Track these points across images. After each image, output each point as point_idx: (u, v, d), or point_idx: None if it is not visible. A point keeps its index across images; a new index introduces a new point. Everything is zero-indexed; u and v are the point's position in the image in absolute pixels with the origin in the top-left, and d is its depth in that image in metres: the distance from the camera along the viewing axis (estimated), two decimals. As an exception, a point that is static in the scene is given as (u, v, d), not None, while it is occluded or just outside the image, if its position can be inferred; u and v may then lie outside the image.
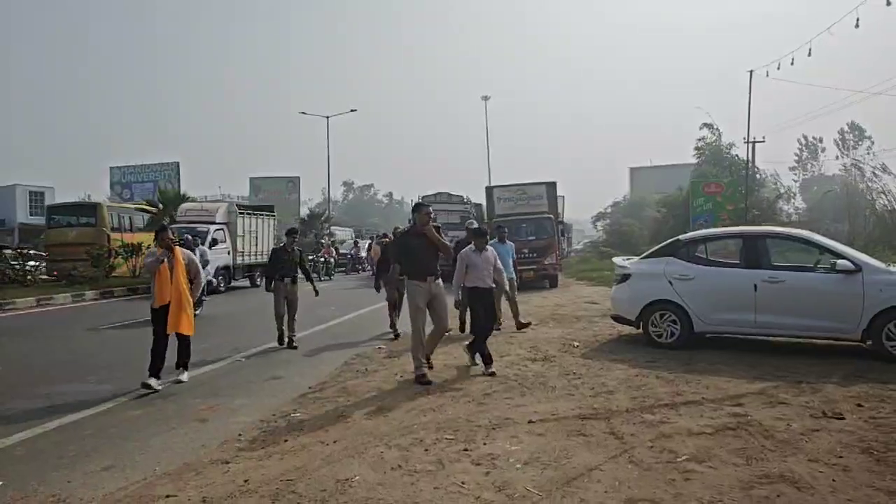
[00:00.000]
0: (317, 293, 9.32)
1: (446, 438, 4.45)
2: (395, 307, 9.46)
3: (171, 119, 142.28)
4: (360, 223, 58.47)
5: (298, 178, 52.98)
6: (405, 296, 9.01)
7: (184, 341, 6.70)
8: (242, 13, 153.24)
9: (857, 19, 16.36)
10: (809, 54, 19.08)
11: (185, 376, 6.67)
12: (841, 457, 3.91)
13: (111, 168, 37.76)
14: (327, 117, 40.71)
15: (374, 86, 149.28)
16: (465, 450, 4.20)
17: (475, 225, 8.84)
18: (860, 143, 58.91)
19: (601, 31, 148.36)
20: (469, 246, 7.19)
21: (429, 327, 6.57)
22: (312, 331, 10.19)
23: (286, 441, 4.60)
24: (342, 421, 5.07)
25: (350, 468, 3.94)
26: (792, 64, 21.11)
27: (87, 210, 21.04)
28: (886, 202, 29.21)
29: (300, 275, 9.12)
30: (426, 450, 4.24)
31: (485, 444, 4.33)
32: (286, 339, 8.67)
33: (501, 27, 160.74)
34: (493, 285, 7.13)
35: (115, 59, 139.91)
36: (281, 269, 8.80)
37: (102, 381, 6.77)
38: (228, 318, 12.31)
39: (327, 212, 41.18)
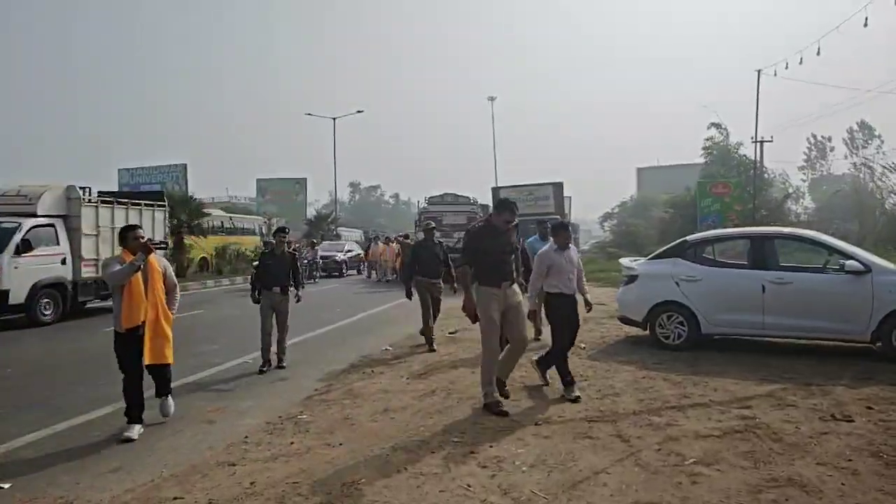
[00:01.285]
0: (298, 299, 7.78)
1: (452, 441, 4.45)
2: (430, 314, 8.55)
3: (180, 121, 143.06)
4: (367, 224, 58.48)
5: (305, 179, 53.02)
6: (440, 301, 8.72)
7: (162, 371, 5.27)
8: (252, 15, 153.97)
9: (866, 18, 16.24)
10: (818, 53, 18.95)
11: (171, 403, 5.39)
12: (850, 460, 3.88)
13: (119, 170, 37.93)
14: (334, 119, 40.87)
15: (381, 86, 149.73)
16: (472, 452, 4.19)
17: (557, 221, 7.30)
18: (870, 142, 58.49)
19: (608, 31, 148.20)
20: (549, 243, 6.07)
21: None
22: (318, 332, 10.20)
23: (292, 443, 4.60)
24: (348, 423, 5.07)
25: (356, 471, 3.94)
26: (801, 63, 20.99)
27: None
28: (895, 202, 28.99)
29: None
30: (432, 452, 4.24)
31: (491, 446, 4.32)
32: (273, 360, 7.39)
33: (508, 27, 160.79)
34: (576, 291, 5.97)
35: (124, 61, 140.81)
36: (269, 277, 7.46)
37: (111, 383, 6.77)
38: (235, 319, 12.34)
39: (334, 213, 41.19)
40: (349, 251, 28.51)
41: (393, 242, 23.93)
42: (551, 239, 6.03)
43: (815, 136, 63.41)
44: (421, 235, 22.14)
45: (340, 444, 4.52)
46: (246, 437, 4.83)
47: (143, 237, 5.06)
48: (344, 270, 26.30)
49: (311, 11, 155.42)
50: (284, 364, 7.44)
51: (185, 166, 35.92)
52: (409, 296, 8.66)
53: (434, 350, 8.23)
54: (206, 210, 25.44)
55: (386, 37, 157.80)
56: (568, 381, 5.69)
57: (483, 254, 5.29)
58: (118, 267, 4.90)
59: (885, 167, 33.19)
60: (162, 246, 6.34)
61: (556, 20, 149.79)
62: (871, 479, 3.61)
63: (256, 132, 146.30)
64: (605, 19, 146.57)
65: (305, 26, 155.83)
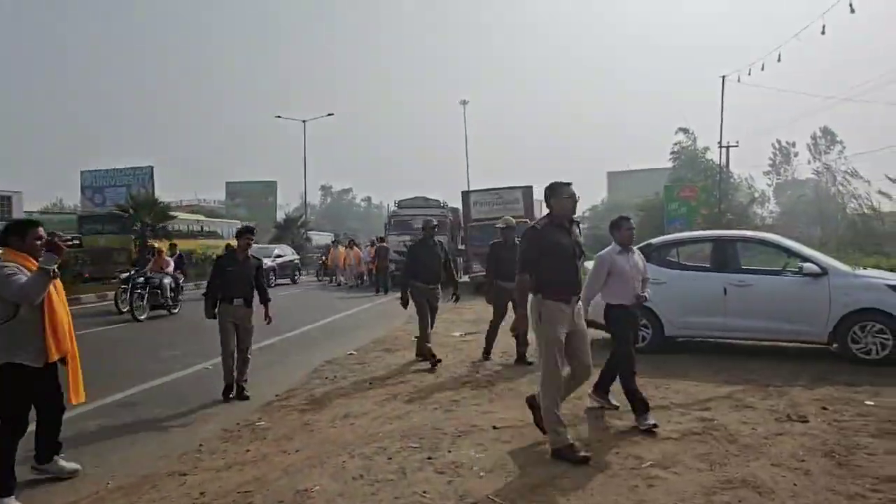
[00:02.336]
0: (269, 320, 6.49)
1: (410, 447, 4.38)
2: (429, 325, 7.66)
3: (146, 123, 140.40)
4: (339, 227, 58.08)
5: (275, 182, 52.52)
6: (437, 310, 7.79)
7: (60, 414, 4.07)
8: (222, 16, 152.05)
9: (823, 26, 16.72)
10: (779, 60, 19.47)
11: (69, 462, 4.17)
12: (803, 461, 3.92)
13: (82, 172, 37.00)
14: (304, 121, 40.53)
15: (352, 90, 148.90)
16: (429, 458, 4.13)
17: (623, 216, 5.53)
18: (832, 147, 60.01)
19: (578, 37, 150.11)
20: (611, 246, 5.03)
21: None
22: (282, 337, 10.04)
23: (248, 451, 4.49)
24: (306, 429, 4.97)
25: (310, 478, 3.86)
26: (762, 69, 21.49)
27: None
28: (857, 206, 29.88)
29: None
30: (389, 458, 4.17)
31: (449, 451, 4.27)
32: (235, 387, 6.19)
33: (480, 32, 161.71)
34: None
35: (89, 61, 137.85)
36: (230, 287, 6.21)
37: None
38: (196, 325, 12.08)
39: (304, 216, 40.82)
40: (279, 256, 23.90)
41: (356, 246, 23.42)
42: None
43: (779, 142, 64.91)
44: (395, 238, 22.35)
45: (297, 451, 4.43)
46: (200, 445, 4.71)
47: (42, 236, 3.81)
48: (271, 280, 20.99)
49: (280, 13, 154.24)
50: (248, 394, 6.12)
51: (151, 169, 35.24)
52: (405, 304, 7.63)
53: (435, 368, 7.13)
54: (173, 213, 25.03)
55: (357, 40, 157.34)
56: (643, 407, 4.65)
57: (551, 257, 4.13)
58: (24, 276, 3.57)
59: (845, 172, 34.19)
60: (74, 244, 5.86)
61: (529, 26, 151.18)
62: (822, 478, 3.64)
63: (226, 135, 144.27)
64: (574, 27, 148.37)
65: (275, 28, 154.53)
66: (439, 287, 7.85)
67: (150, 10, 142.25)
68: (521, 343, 7.26)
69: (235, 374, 6.21)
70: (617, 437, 4.52)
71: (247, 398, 6.05)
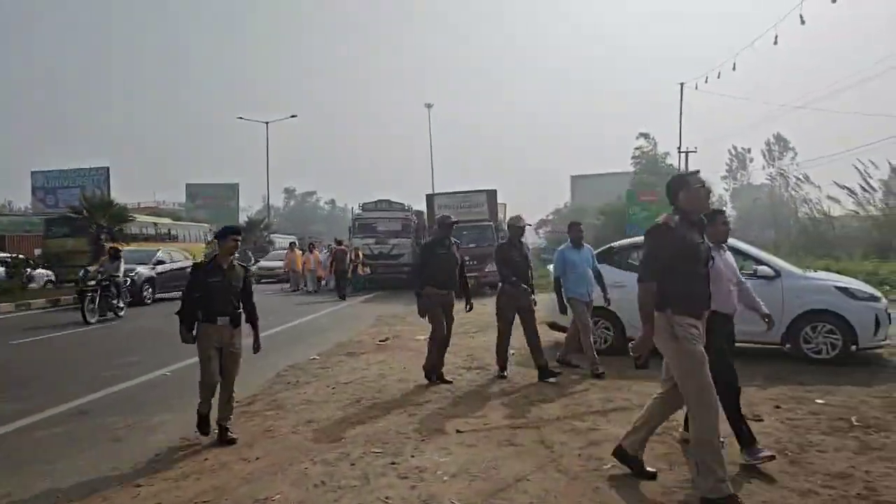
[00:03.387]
0: (257, 348, 5.34)
1: (374, 452, 4.34)
2: (444, 338, 6.66)
3: (102, 123, 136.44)
4: (303, 230, 57.41)
5: (237, 184, 51.90)
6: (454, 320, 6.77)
7: None
8: (182, 15, 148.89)
9: (776, 36, 17.33)
10: (734, 69, 20.07)
11: None
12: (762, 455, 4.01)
13: (33, 173, 35.76)
14: (266, 123, 40.02)
15: (316, 92, 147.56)
16: (393, 463, 4.11)
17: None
18: (785, 153, 62.13)
19: (543, 41, 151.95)
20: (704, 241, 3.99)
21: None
22: (246, 343, 9.85)
23: (206, 459, 4.39)
24: (268, 436, 4.88)
25: (271, 486, 3.79)
26: (718, 77, 22.12)
27: None
28: (808, 210, 30.97)
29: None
30: (352, 464, 4.13)
31: (413, 456, 4.24)
32: (215, 428, 4.89)
33: (446, 36, 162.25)
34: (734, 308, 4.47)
35: (37, 58, 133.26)
36: (212, 303, 4.87)
37: (10, 399, 6.32)
38: (154, 331, 11.78)
39: (267, 219, 40.24)
40: (159, 262, 17.60)
41: (316, 250, 22.20)
42: (587, 246, 7.46)
43: (735, 148, 66.84)
44: (359, 241, 22.09)
45: (258, 459, 4.35)
46: (156, 454, 4.58)
47: None
48: (148, 294, 16.53)
49: (244, 13, 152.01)
50: (233, 436, 4.81)
51: (107, 169, 34.35)
52: (423, 313, 6.64)
53: (438, 383, 6.44)
54: (130, 216, 24.39)
55: (322, 41, 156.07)
56: (749, 438, 3.96)
57: (682, 263, 3.48)
58: None
59: (797, 178, 35.39)
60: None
61: (495, 29, 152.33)
62: (777, 476, 3.74)
63: (186, 135, 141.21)
64: (539, 27, 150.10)
65: (238, 27, 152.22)
66: (452, 293, 6.72)
67: (101, 4, 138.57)
68: (562, 353, 7.33)
69: (217, 412, 4.89)
70: (579, 438, 4.56)
71: (233, 441, 4.75)
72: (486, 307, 14.56)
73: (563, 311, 7.35)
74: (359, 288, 19.87)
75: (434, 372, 6.59)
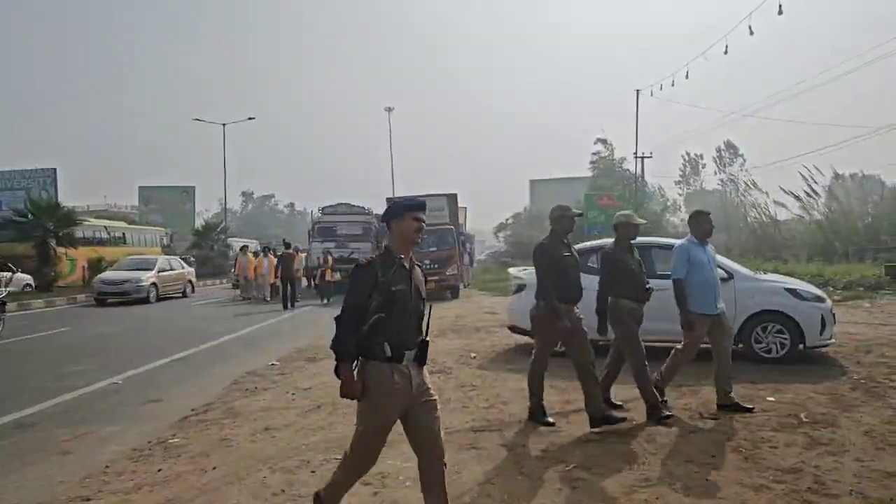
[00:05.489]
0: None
1: (335, 459, 4.25)
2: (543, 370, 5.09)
3: (49, 123, 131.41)
4: (261, 235, 56.36)
5: (193, 187, 50.34)
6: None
7: None
8: (136, 13, 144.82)
9: (727, 46, 17.91)
10: (687, 77, 20.64)
11: None
12: (714, 456, 4.12)
13: (-26, 174, 34.17)
14: (223, 125, 39.18)
15: (274, 93, 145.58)
16: (355, 470, 4.04)
17: None
18: (734, 160, 64.12)
19: (502, 46, 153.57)
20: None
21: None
22: (200, 348, 9.62)
23: (160, 471, 4.24)
24: (224, 445, 4.75)
25: (229, 496, 3.69)
26: (672, 85, 22.72)
27: None
28: (756, 215, 32.06)
29: None
30: (313, 472, 4.05)
31: (375, 462, 4.19)
32: None
33: (402, 38, 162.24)
34: None
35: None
36: (395, 326, 2.84)
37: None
38: (102, 338, 11.38)
39: (224, 222, 39.38)
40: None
41: (270, 254, 20.03)
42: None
43: (688, 154, 68.65)
44: (318, 245, 21.71)
45: (214, 469, 4.22)
46: (107, 466, 4.40)
47: None
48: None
49: (200, 12, 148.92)
50: None
51: (54, 171, 32.97)
52: (561, 335, 4.87)
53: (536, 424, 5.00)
54: (79, 219, 23.57)
55: (280, 42, 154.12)
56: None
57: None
58: None
59: (747, 183, 36.59)
60: None
61: (452, 32, 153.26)
62: (732, 472, 3.84)
63: (139, 137, 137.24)
64: (499, 31, 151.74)
65: (193, 26, 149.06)
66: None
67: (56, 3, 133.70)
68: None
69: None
70: (541, 440, 4.59)
71: None
72: (447, 310, 14.62)
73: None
74: (328, 298, 17.79)
75: (600, 412, 4.73)
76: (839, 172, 33.62)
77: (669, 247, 8.91)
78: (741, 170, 49.50)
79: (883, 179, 37.07)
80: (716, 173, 61.98)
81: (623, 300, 5.13)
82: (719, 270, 7.35)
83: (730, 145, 64.83)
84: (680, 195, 62.43)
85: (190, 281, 21.96)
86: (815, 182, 29.51)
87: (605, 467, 3.98)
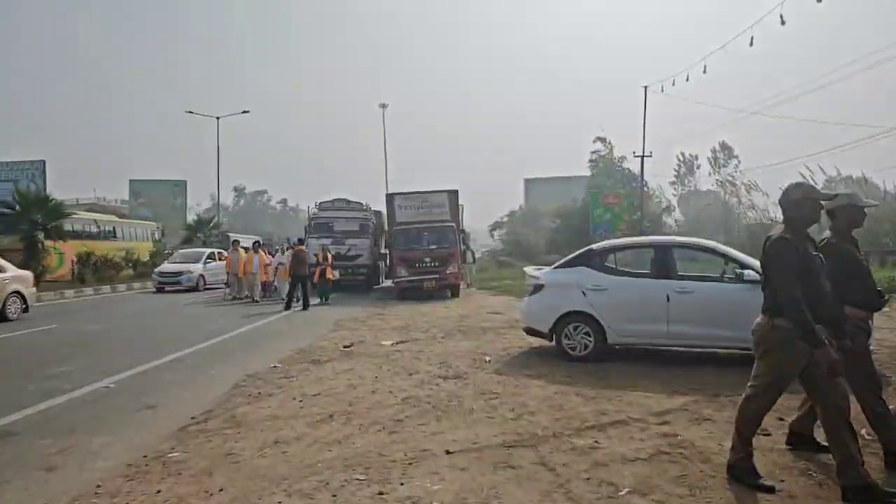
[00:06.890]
0: None
1: (357, 479, 3.81)
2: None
3: (38, 115, 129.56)
4: (254, 230, 55.60)
5: (185, 182, 49.65)
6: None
7: None
8: (129, 6, 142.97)
9: (752, 38, 17.62)
10: (705, 71, 20.31)
11: None
12: (783, 480, 3.69)
13: (-41, 166, 33.31)
14: (217, 118, 38.54)
15: (269, 88, 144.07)
16: (380, 493, 3.59)
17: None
18: (729, 161, 64.01)
19: (504, 44, 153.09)
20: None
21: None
22: (197, 348, 9.11)
23: (158, 493, 3.76)
24: (230, 461, 4.27)
25: (239, 527, 3.22)
26: (687, 80, 22.39)
27: None
28: (755, 216, 31.85)
29: None
30: (333, 496, 3.59)
31: (402, 483, 3.74)
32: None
33: (399, 35, 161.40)
34: None
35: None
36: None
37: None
38: (92, 336, 10.84)
39: (216, 217, 38.66)
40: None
41: (262, 250, 18.98)
42: None
43: (683, 154, 68.44)
44: (315, 242, 21.02)
45: (221, 490, 3.75)
46: (98, 486, 3.92)
47: None
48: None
49: (193, 6, 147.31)
50: None
51: (43, 163, 32.31)
52: (832, 364, 3.34)
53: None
54: (68, 212, 22.92)
55: (275, 36, 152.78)
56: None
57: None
58: None
59: (745, 185, 36.39)
60: None
61: (448, 29, 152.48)
62: (807, 500, 3.41)
63: (131, 130, 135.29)
64: (495, 29, 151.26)
65: (189, 21, 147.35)
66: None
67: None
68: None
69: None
70: (582, 458, 4.14)
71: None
72: (449, 310, 14.17)
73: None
74: (326, 297, 16.65)
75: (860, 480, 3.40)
76: (840, 172, 33.50)
77: (696, 248, 8.51)
78: (736, 171, 49.25)
79: (884, 182, 36.90)
80: (710, 174, 61.84)
81: (854, 308, 3.96)
82: (751, 272, 6.97)
83: (725, 146, 64.74)
84: (674, 195, 62.33)
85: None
86: (815, 182, 29.29)
87: (662, 492, 3.54)
